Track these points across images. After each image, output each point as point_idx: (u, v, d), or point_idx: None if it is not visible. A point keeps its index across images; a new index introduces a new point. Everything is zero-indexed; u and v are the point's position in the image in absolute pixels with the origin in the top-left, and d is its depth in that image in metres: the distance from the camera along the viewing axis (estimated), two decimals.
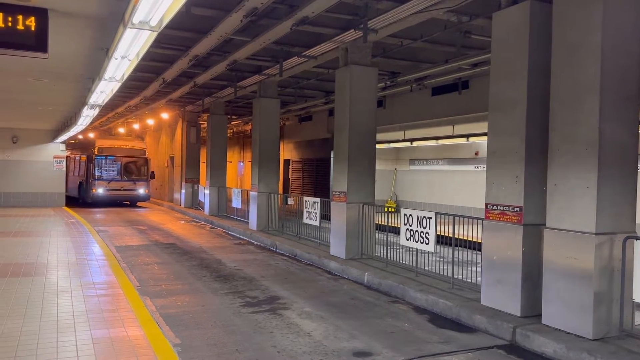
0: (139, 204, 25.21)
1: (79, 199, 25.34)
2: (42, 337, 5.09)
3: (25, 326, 5.43)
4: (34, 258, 9.37)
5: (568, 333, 5.63)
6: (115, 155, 23.34)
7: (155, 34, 5.00)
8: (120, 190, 23.18)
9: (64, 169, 22.66)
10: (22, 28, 5.12)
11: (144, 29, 4.70)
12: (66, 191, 24.96)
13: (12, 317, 5.76)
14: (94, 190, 22.56)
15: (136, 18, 4.46)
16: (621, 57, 5.62)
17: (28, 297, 6.62)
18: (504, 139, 6.62)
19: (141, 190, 23.74)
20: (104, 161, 23.24)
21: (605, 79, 5.49)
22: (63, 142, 22.26)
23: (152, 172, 24.51)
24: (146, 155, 24.36)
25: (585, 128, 5.59)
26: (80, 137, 25.26)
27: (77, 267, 8.66)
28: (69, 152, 27.85)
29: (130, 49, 5.75)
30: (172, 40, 10.43)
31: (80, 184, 24.79)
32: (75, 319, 5.71)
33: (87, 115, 13.38)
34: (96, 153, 22.87)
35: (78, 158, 26.53)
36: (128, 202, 24.77)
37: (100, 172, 23.00)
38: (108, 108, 19.44)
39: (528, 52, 6.27)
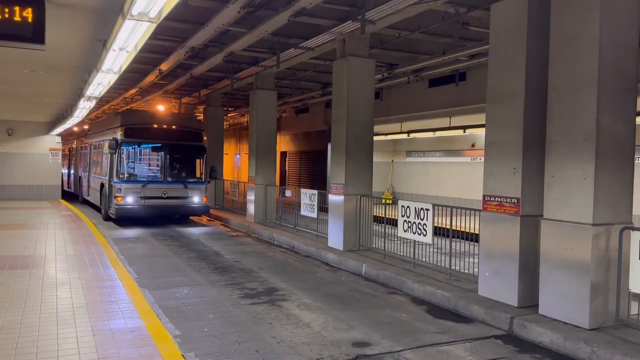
0: (191, 218, 16.35)
1: (75, 199, 20.91)
2: (42, 329, 5.10)
3: (25, 318, 5.44)
4: (32, 250, 9.36)
5: (565, 323, 5.68)
6: (154, 140, 14.58)
7: (154, 26, 4.99)
8: (162, 198, 14.16)
9: (60, 161, 22.46)
10: (19, 19, 5.08)
11: (142, 21, 4.68)
12: (74, 193, 21.64)
13: (12, 309, 5.76)
14: (118, 200, 13.75)
15: (135, 9, 4.44)
16: (619, 49, 5.64)
17: (27, 289, 6.62)
18: (502, 130, 6.64)
19: (195, 198, 14.72)
20: (135, 150, 14.60)
21: (603, 71, 5.50)
22: (59, 135, 22.12)
23: (213, 168, 15.75)
24: (204, 141, 15.22)
25: (582, 120, 5.62)
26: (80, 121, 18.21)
27: (75, 259, 8.65)
28: (73, 140, 23.84)
29: (128, 40, 5.72)
30: (168, 32, 10.38)
31: (102, 186, 15.60)
32: (74, 311, 5.72)
33: (84, 107, 13.32)
34: (122, 137, 13.99)
35: (91, 147, 18.59)
36: (176, 216, 15.70)
37: (130, 168, 14.36)
38: (104, 100, 19.35)
39: (526, 44, 6.28)
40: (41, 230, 12.01)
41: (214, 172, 15.68)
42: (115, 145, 13.83)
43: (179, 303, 6.77)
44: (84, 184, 19.95)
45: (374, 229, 10.35)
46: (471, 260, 8.00)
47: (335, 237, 10.36)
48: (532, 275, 6.34)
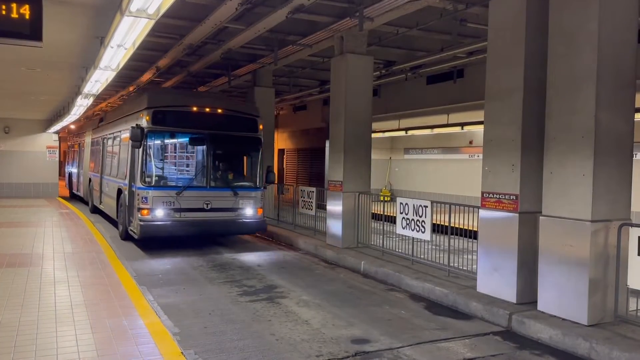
0: (240, 236, 12.25)
1: (85, 205, 17.37)
2: (40, 327, 5.09)
3: (24, 316, 5.42)
4: (29, 248, 9.34)
5: (563, 319, 5.70)
6: (193, 129, 10.52)
7: (152, 22, 4.97)
8: (204, 211, 10.23)
9: (57, 159, 22.37)
10: (17, 16, 5.05)
11: (141, 17, 4.67)
12: (85, 199, 17.58)
13: (10, 307, 5.75)
14: (144, 213, 9.82)
15: (134, 6, 4.43)
16: (617, 45, 5.64)
17: (25, 287, 6.61)
18: (501, 127, 6.64)
19: (248, 210, 10.69)
20: (166, 143, 10.73)
21: (602, 67, 5.51)
22: (56, 132, 22.04)
23: (270, 169, 11.38)
24: (260, 131, 11.12)
25: (581, 116, 5.62)
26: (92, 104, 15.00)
27: (73, 257, 8.64)
28: (83, 134, 19.42)
29: (126, 37, 5.70)
30: (166, 29, 10.34)
31: (120, 193, 11.59)
32: (73, 309, 5.71)
33: (81, 105, 13.28)
34: (149, 125, 9.98)
35: (104, 141, 14.65)
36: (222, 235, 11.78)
37: (160, 168, 10.43)
38: (101, 98, 19.26)
39: (525, 40, 6.28)
40: (39, 228, 11.97)
41: (271, 175, 11.15)
42: (140, 136, 9.60)
43: (177, 300, 6.76)
44: (96, 188, 15.47)
45: (372, 226, 10.36)
46: (469, 257, 8.01)
47: (333, 234, 10.36)
48: (530, 272, 6.35)
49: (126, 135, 11.06)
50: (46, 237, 10.71)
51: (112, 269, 7.78)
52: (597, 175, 5.53)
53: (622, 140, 5.75)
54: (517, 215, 6.38)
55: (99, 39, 6.87)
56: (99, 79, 9.14)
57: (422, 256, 8.62)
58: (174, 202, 9.88)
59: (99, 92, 11.02)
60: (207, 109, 10.51)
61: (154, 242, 10.59)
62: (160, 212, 9.78)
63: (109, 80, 9.28)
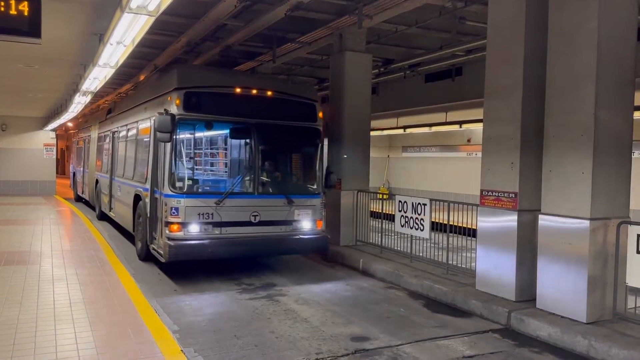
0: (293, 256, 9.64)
1: (90, 208, 15.63)
2: (39, 325, 5.07)
3: (23, 314, 5.41)
4: (27, 246, 9.31)
5: (562, 317, 5.71)
6: (237, 117, 8.06)
7: (152, 19, 4.95)
8: (251, 225, 7.83)
9: (54, 156, 22.26)
10: (15, 13, 5.02)
11: (141, 14, 4.65)
12: (92, 203, 15.22)
13: (9, 305, 5.73)
14: (173, 229, 7.43)
15: (134, 2, 4.41)
16: (617, 44, 5.64)
17: (23, 285, 6.58)
18: (500, 125, 6.64)
19: (306, 223, 8.26)
20: (200, 136, 8.30)
21: (601, 66, 5.51)
22: (53, 130, 21.97)
23: (330, 169, 9.25)
24: (319, 120, 8.59)
25: (580, 114, 5.62)
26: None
27: (71, 255, 8.62)
28: (89, 128, 16.88)
29: (126, 34, 5.69)
30: (164, 26, 10.31)
31: (137, 199, 9.29)
32: (72, 307, 5.69)
33: (79, 102, 13.23)
34: (181, 111, 7.52)
35: (114, 135, 12.38)
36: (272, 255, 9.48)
37: (193, 169, 8.07)
38: (98, 95, 19.20)
39: (524, 38, 6.27)
40: (37, 225, 11.93)
41: (332, 176, 8.67)
42: (170, 126, 7.23)
43: (177, 298, 6.73)
44: (104, 192, 13.10)
45: (371, 224, 10.36)
46: (468, 254, 8.02)
47: (332, 232, 10.33)
48: (529, 270, 6.36)
49: (146, 126, 9.06)
50: (44, 234, 10.68)
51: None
52: (596, 174, 5.53)
53: (621, 138, 5.76)
54: (516, 213, 6.39)
55: (98, 36, 6.85)
56: (98, 77, 9.11)
57: (420, 254, 8.63)
58: (212, 214, 7.48)
59: (97, 89, 10.98)
60: (254, 91, 8.01)
61: (182, 265, 8.25)
62: (195, 228, 7.40)
63: (108, 77, 9.25)
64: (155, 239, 8.02)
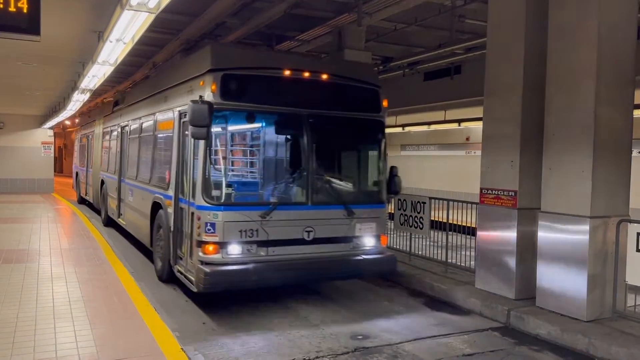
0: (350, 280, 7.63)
1: (95, 212, 14.16)
2: (39, 323, 5.06)
3: (22, 312, 5.39)
4: (26, 244, 9.28)
5: (562, 315, 5.72)
6: (285, 107, 6.41)
7: (153, 16, 4.93)
8: (304, 243, 6.20)
9: (52, 154, 22.19)
10: (14, 10, 4.99)
11: (141, 11, 4.63)
12: (97, 207, 13.56)
13: (8, 303, 5.71)
14: (209, 250, 5.82)
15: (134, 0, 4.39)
16: (617, 41, 5.65)
17: (22, 283, 6.56)
18: (500, 123, 6.64)
19: (368, 239, 6.61)
20: (240, 130, 6.85)
21: (601, 63, 5.51)
22: (51, 128, 21.91)
23: (394, 171, 7.05)
24: (382, 111, 6.93)
25: (581, 112, 5.63)
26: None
27: (70, 253, 8.59)
28: (93, 123, 15.21)
29: (126, 31, 5.67)
30: (163, 24, 10.27)
31: (156, 208, 7.66)
32: (71, 305, 5.68)
33: (77, 100, 13.20)
34: (219, 98, 5.90)
35: (124, 130, 10.82)
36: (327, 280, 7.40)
37: (234, 172, 6.73)
38: (96, 93, 19.15)
39: (524, 36, 6.27)
40: (35, 224, 11.90)
41: (397, 180, 7.05)
42: (206, 117, 5.64)
43: (175, 296, 6.71)
44: (111, 195, 11.48)
45: None
46: (467, 253, 8.02)
47: None
48: (529, 268, 6.36)
49: (166, 119, 7.57)
50: (42, 232, 10.65)
51: (109, 264, 7.24)
52: (596, 172, 5.54)
53: (621, 136, 5.77)
54: (515, 211, 6.39)
55: (97, 34, 6.83)
56: (97, 74, 9.09)
57: (419, 252, 8.63)
58: (257, 231, 5.95)
59: (96, 87, 10.95)
60: (307, 74, 6.41)
61: (219, 293, 6.42)
62: (236, 249, 5.87)
63: (107, 75, 9.23)
64: (180, 258, 6.62)
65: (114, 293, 6.22)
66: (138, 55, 13.06)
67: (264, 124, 6.61)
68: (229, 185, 6.20)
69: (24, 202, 16.87)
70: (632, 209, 6.12)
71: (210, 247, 5.77)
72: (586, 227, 5.54)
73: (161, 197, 7.39)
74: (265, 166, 6.81)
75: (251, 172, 6.85)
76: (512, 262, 6.43)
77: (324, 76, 6.51)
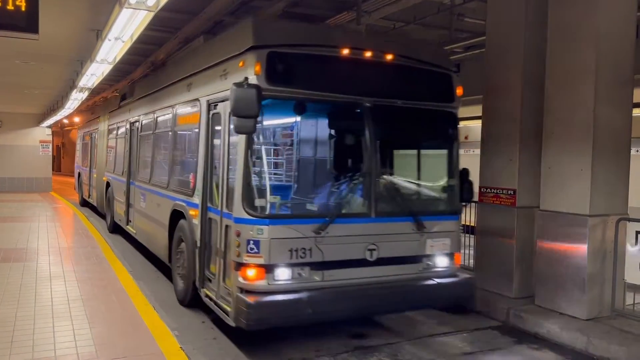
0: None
1: (99, 216, 12.99)
2: (37, 323, 5.05)
3: (20, 311, 5.37)
4: (24, 243, 9.26)
5: (561, 314, 5.72)
6: (343, 95, 5.02)
7: (151, 15, 4.92)
8: (366, 264, 4.94)
9: (50, 153, 22.11)
10: (12, 8, 4.98)
11: (140, 9, 4.62)
12: (102, 212, 12.29)
13: (6, 302, 5.69)
14: (252, 276, 4.58)
15: None
16: (616, 40, 5.65)
17: (21, 282, 6.54)
18: (499, 122, 6.64)
19: (440, 258, 5.37)
20: (288, 123, 6.07)
21: (601, 62, 5.51)
22: (49, 127, 21.86)
23: (466, 173, 5.77)
24: (455, 100, 5.69)
25: (580, 111, 5.63)
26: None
27: (68, 252, 8.58)
28: (97, 118, 13.99)
29: (124, 30, 5.65)
30: (161, 22, 10.22)
31: (176, 217, 6.49)
32: (70, 304, 5.66)
33: (76, 99, 13.19)
34: (262, 81, 4.58)
35: (134, 125, 9.69)
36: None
37: (281, 175, 6.08)
38: (94, 92, 19.09)
39: (523, 35, 6.27)
40: (33, 223, 11.88)
41: (468, 185, 5.80)
42: (255, 105, 4.42)
43: (174, 295, 6.70)
44: (118, 198, 10.43)
45: None
46: (466, 252, 8.01)
47: None
48: (528, 267, 6.37)
49: (189, 111, 6.45)
50: (41, 231, 10.62)
51: (108, 262, 7.44)
52: (595, 170, 5.54)
53: (620, 135, 5.78)
54: (515, 209, 6.39)
55: (95, 32, 6.80)
56: (95, 73, 9.07)
57: None
58: (310, 250, 4.75)
59: (94, 85, 10.93)
60: (369, 53, 5.16)
61: (264, 330, 5.03)
62: (285, 273, 4.68)
63: (105, 73, 9.21)
64: (209, 280, 5.46)
65: (112, 292, 6.20)
66: (137, 53, 13.01)
67: (317, 116, 5.59)
68: (276, 192, 5.08)
69: (23, 201, 16.83)
70: (630, 207, 6.14)
71: (253, 271, 4.56)
72: (585, 226, 5.54)
73: (183, 204, 6.20)
74: (318, 168, 5.72)
75: (302, 175, 5.77)
76: (511, 260, 6.43)
77: (391, 57, 5.24)
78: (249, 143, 4.65)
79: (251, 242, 4.56)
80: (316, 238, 4.71)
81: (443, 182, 5.84)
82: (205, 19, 9.31)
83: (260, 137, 4.92)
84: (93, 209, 14.40)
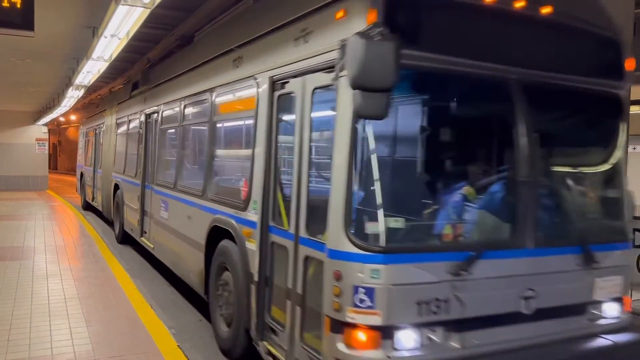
0: None
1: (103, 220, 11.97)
2: (34, 321, 5.04)
3: (17, 310, 5.36)
4: (21, 241, 9.24)
5: None
6: (486, 64, 3.22)
7: (147, 12, 4.90)
8: (521, 320, 3.29)
9: (47, 151, 22.02)
10: (8, 5, 4.97)
11: (136, 6, 4.60)
12: (109, 218, 10.92)
13: (3, 300, 5.68)
14: (361, 340, 2.92)
15: None
16: None
17: (17, 280, 6.53)
18: None
19: (609, 306, 3.69)
20: (406, 110, 4.06)
21: None
22: (45, 125, 21.79)
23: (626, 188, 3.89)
24: (623, 80, 3.81)
25: None
26: None
27: (65, 250, 8.56)
28: (102, 114, 12.73)
29: (121, 27, 5.63)
30: (157, 19, 10.17)
31: (211, 235, 5.01)
32: (67, 302, 5.65)
33: (72, 97, 13.15)
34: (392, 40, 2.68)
35: (147, 117, 8.30)
36: None
37: (395, 189, 3.66)
38: (90, 90, 19.02)
39: None
40: (29, 221, 11.84)
41: (629, 202, 3.95)
42: (391, 67, 2.68)
43: (172, 294, 6.67)
44: (131, 204, 8.86)
45: None
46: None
47: None
48: None
49: (238, 96, 5.04)
50: (37, 229, 10.58)
51: (105, 260, 7.57)
52: None
53: None
54: None
55: (91, 29, 6.78)
56: (91, 70, 9.04)
57: None
58: (446, 301, 3.11)
59: (90, 83, 10.90)
60: (521, 2, 3.40)
61: None
62: (411, 338, 3.04)
63: (101, 71, 9.18)
64: (273, 332, 3.96)
65: (109, 290, 6.19)
66: (133, 51, 12.96)
67: (456, 97, 3.83)
68: (395, 211, 3.30)
69: (19, 200, 16.78)
70: None
71: (365, 336, 2.97)
72: None
73: (231, 221, 4.65)
74: (454, 176, 3.86)
75: (430, 187, 4.01)
76: None
77: (547, 9, 3.50)
78: (355, 137, 3.00)
79: (361, 290, 2.97)
80: (454, 282, 3.11)
81: (609, 194, 4.14)
82: (201, 16, 9.28)
83: (371, 128, 3.05)
84: (97, 212, 13.06)
